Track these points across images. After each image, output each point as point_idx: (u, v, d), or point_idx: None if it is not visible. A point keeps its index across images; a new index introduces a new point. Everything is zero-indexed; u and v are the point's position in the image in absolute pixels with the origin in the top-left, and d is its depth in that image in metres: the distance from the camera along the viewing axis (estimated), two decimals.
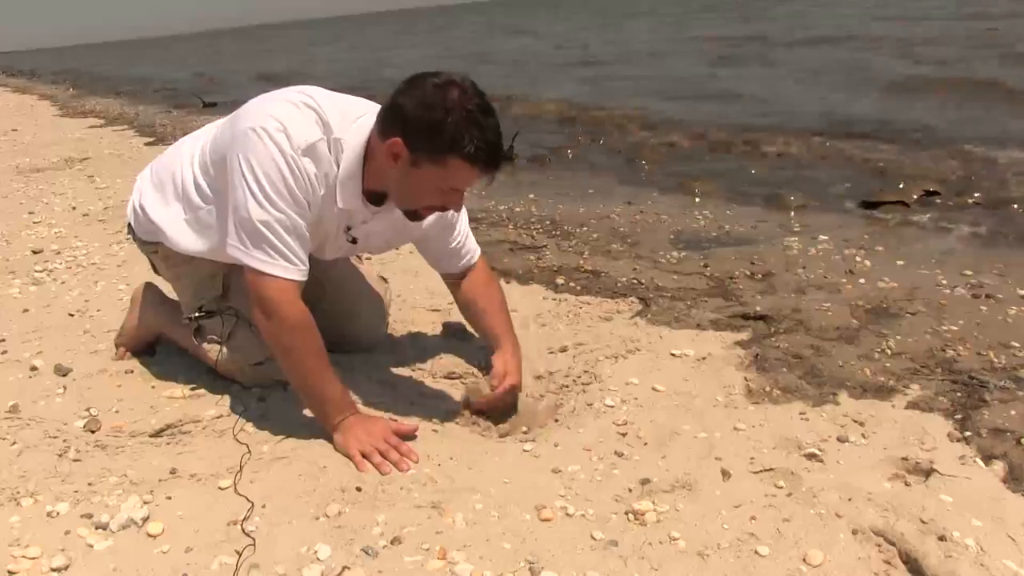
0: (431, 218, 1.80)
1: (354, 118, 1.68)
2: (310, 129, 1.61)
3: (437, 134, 1.52)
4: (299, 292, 1.65)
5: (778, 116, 6.78)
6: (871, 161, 5.01)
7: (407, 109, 1.55)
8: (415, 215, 1.73)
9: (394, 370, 2.09)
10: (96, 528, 1.45)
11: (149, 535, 1.42)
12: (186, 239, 1.87)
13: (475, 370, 2.09)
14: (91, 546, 1.40)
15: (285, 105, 1.63)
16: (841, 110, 6.86)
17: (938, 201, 3.98)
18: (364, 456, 1.63)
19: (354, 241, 1.85)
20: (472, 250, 2.03)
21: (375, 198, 1.75)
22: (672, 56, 13.27)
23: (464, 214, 1.98)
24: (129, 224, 2.03)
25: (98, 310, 2.70)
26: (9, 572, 1.34)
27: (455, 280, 2.06)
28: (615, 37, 19.29)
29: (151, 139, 7.53)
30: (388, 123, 1.60)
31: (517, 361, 1.95)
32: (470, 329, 2.32)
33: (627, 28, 23.11)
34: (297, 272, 1.64)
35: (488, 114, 1.55)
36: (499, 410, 1.89)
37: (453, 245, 1.99)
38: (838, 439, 1.70)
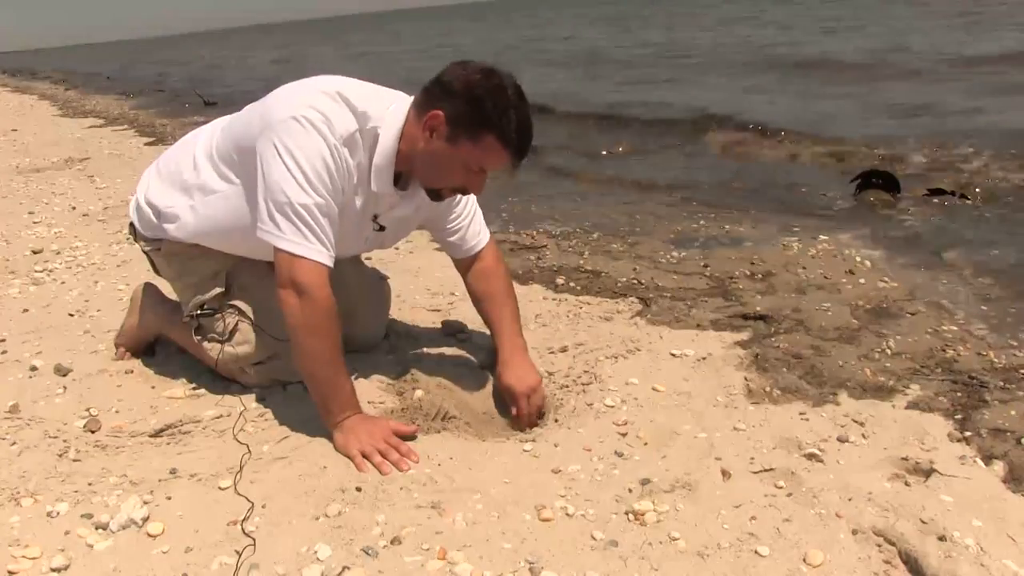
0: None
1: (386, 105, 1.72)
2: (348, 120, 1.66)
3: (480, 110, 1.61)
4: (329, 278, 1.68)
5: (778, 116, 6.78)
6: (870, 161, 5.01)
7: (453, 85, 1.64)
8: (437, 195, 1.78)
9: (394, 370, 2.09)
10: (96, 528, 1.45)
11: (149, 535, 1.42)
12: (197, 226, 1.87)
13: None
14: (91, 546, 1.40)
15: (322, 96, 1.67)
16: (844, 112, 6.86)
17: (937, 201, 3.98)
18: (364, 456, 1.63)
19: (382, 228, 1.87)
20: (478, 233, 2.04)
21: (400, 181, 1.78)
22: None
23: (473, 197, 1.99)
24: (131, 224, 2.03)
25: (98, 310, 2.70)
26: (9, 572, 1.34)
27: (465, 266, 2.06)
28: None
29: (151, 139, 7.54)
30: (430, 98, 1.66)
31: (526, 366, 1.93)
32: (470, 327, 2.33)
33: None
34: (329, 257, 1.67)
35: (525, 103, 1.65)
36: (532, 423, 1.88)
37: (456, 223, 1.99)
38: (838, 439, 1.70)
